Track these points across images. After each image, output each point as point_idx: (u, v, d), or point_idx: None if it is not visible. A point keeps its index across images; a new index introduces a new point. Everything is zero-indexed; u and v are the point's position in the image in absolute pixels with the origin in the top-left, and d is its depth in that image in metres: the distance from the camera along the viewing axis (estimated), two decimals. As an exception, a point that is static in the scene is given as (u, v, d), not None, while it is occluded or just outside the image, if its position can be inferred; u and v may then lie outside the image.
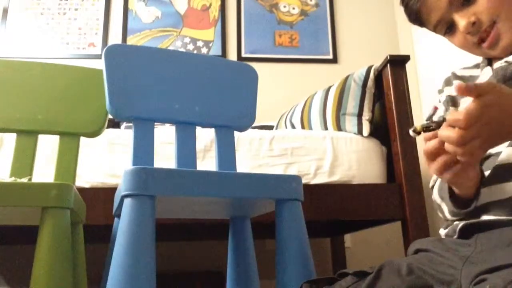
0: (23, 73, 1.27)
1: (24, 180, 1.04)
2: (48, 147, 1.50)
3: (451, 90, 0.90)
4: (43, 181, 0.91)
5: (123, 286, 0.80)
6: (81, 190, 1.40)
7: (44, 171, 1.46)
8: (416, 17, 0.84)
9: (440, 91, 0.94)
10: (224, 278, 1.32)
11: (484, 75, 0.83)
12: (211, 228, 2.15)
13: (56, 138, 1.25)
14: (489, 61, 0.87)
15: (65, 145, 1.23)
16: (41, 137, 1.26)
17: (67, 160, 1.21)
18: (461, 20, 0.78)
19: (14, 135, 1.22)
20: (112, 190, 1.44)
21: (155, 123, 1.17)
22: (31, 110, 1.23)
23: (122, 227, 0.85)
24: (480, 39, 0.79)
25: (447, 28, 0.82)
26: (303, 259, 0.94)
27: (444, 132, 0.61)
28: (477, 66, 0.91)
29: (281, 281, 0.93)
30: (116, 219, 1.14)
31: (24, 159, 1.19)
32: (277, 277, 0.94)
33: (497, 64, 0.80)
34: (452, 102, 0.88)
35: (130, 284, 0.80)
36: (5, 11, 2.84)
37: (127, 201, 0.87)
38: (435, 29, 0.84)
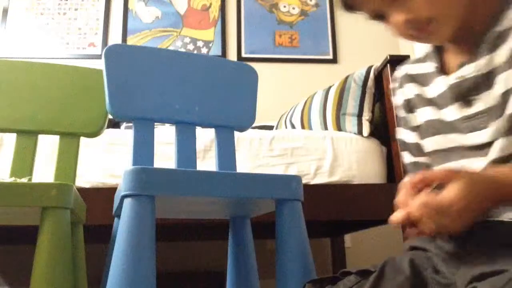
0: (23, 73, 1.27)
1: (24, 180, 1.04)
2: (48, 147, 1.50)
3: (407, 93, 0.85)
4: (43, 181, 0.91)
5: (123, 286, 0.80)
6: (81, 190, 1.40)
7: (44, 171, 1.46)
8: (350, 5, 0.77)
9: (394, 90, 0.89)
10: (224, 278, 1.31)
11: (438, 88, 0.77)
12: (211, 228, 2.15)
13: (56, 138, 1.25)
14: (438, 55, 0.80)
15: (65, 145, 1.23)
16: (41, 137, 1.26)
17: (67, 160, 1.21)
18: (396, 16, 0.70)
19: (14, 135, 1.22)
20: (112, 190, 1.43)
21: (155, 123, 1.17)
22: (31, 110, 1.23)
23: (122, 227, 0.85)
24: (417, 32, 0.71)
25: (383, 18, 0.74)
26: (303, 259, 0.94)
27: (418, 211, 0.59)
28: (429, 56, 0.83)
29: (281, 281, 0.93)
30: (116, 219, 1.14)
31: (24, 159, 1.19)
32: (277, 277, 0.94)
33: (452, 79, 0.73)
34: (409, 107, 0.84)
35: (130, 284, 0.80)
36: (5, 11, 2.84)
37: (127, 201, 0.87)
38: (371, 19, 0.76)
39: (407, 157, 0.86)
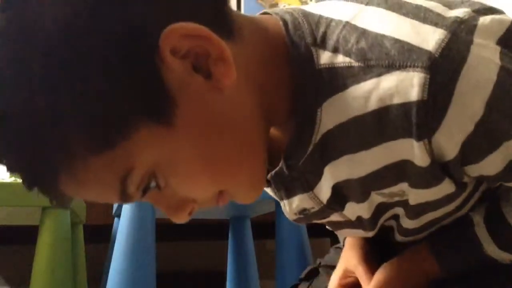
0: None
1: (24, 180, 1.04)
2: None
3: None
4: (43, 181, 0.91)
5: (123, 286, 0.80)
6: (81, 190, 1.40)
7: (44, 171, 1.45)
8: None
9: None
10: (224, 278, 1.32)
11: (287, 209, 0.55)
12: (211, 228, 2.15)
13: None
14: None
15: (65, 145, 1.22)
16: (41, 137, 1.26)
17: (67, 160, 1.21)
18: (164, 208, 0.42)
19: (14, 135, 1.22)
20: (112, 190, 1.43)
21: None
22: (31, 110, 1.23)
23: (122, 227, 0.85)
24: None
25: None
26: (303, 259, 0.94)
27: None
28: None
29: (281, 281, 0.93)
30: (116, 219, 1.14)
31: (24, 159, 1.19)
32: (277, 277, 0.94)
33: (294, 213, 0.54)
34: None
35: (130, 284, 0.80)
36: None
37: (127, 201, 0.87)
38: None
39: None
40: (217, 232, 2.13)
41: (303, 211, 0.51)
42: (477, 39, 0.36)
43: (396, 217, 0.50)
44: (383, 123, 0.39)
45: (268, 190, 0.55)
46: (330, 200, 0.47)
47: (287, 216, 0.54)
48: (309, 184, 0.47)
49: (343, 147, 0.42)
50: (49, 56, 0.32)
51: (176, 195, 0.40)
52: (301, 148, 0.43)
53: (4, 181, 1.01)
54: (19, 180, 1.01)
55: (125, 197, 0.38)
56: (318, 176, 0.45)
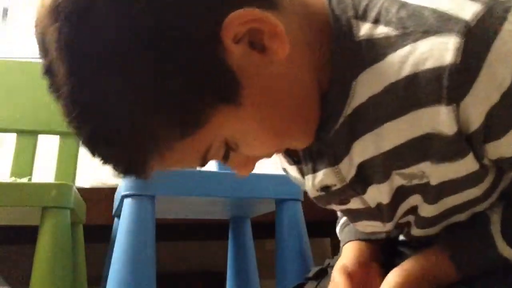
0: (24, 73, 1.26)
1: (24, 180, 1.05)
2: (48, 147, 1.50)
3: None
4: (43, 181, 0.92)
5: (123, 286, 0.80)
6: (81, 190, 1.40)
7: (44, 171, 1.46)
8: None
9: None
10: (224, 278, 1.32)
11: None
12: (211, 228, 2.15)
13: (56, 138, 1.25)
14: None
15: (65, 145, 1.22)
16: (41, 137, 1.26)
17: (67, 160, 1.21)
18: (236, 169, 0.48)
19: (14, 135, 1.22)
20: (112, 190, 1.43)
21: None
22: (31, 110, 1.23)
23: (122, 227, 0.85)
24: None
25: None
26: (303, 259, 0.94)
27: None
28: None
29: (281, 281, 0.93)
30: (116, 219, 1.14)
31: (24, 159, 1.19)
32: (277, 277, 0.94)
33: (315, 189, 0.53)
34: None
35: (130, 284, 0.80)
36: (5, 10, 2.84)
37: (127, 201, 0.87)
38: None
39: None
40: (217, 232, 2.13)
41: (325, 187, 0.52)
42: (510, 17, 0.38)
43: (414, 210, 0.50)
44: (412, 89, 0.40)
45: (290, 169, 0.56)
46: (353, 179, 0.48)
47: (309, 193, 0.55)
48: (335, 158, 0.48)
49: (373, 120, 0.44)
50: (128, 64, 0.36)
51: (244, 155, 0.45)
52: (332, 120, 0.45)
53: (4, 181, 1.02)
54: (19, 180, 1.01)
55: (204, 164, 0.45)
56: (346, 151, 0.47)
